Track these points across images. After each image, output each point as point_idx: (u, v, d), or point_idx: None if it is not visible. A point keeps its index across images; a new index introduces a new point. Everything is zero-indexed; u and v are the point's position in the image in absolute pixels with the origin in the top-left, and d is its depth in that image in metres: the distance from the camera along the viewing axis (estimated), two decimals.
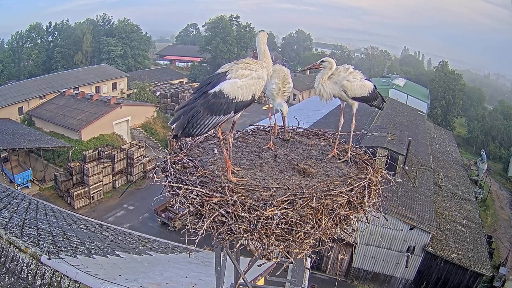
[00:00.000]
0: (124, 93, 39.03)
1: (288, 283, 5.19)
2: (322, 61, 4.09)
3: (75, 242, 6.37)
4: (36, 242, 5.25)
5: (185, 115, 3.11)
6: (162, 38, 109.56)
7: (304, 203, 3.10)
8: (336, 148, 4.37)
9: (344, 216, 3.38)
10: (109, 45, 48.40)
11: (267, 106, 4.63)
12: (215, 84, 3.22)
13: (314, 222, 3.12)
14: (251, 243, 3.07)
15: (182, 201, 3.24)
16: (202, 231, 3.08)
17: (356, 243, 15.97)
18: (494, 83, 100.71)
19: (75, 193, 20.33)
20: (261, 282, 7.01)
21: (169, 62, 63.73)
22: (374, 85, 4.30)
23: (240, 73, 3.26)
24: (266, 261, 4.64)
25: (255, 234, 2.99)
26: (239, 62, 3.38)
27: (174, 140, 3.26)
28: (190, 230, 3.20)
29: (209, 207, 3.11)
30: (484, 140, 37.59)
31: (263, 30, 3.72)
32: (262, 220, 2.99)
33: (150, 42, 61.00)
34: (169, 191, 3.45)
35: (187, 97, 34.84)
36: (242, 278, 4.00)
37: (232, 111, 3.24)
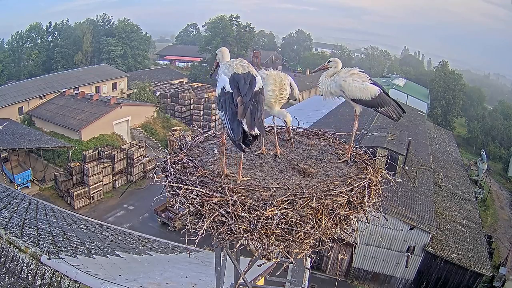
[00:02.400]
0: (124, 93, 38.99)
1: (288, 283, 5.19)
2: (329, 61, 4.24)
3: (75, 242, 6.37)
4: (36, 242, 5.25)
5: (257, 116, 3.06)
6: (162, 38, 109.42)
7: (304, 203, 3.10)
8: (345, 151, 4.34)
9: (344, 216, 3.38)
10: (109, 45, 48.36)
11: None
12: (253, 82, 3.25)
13: (314, 222, 3.12)
14: (251, 243, 3.07)
15: (182, 201, 3.24)
16: (202, 231, 3.07)
17: (356, 243, 15.96)
18: (494, 83, 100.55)
19: (75, 193, 20.32)
20: (261, 282, 7.01)
21: (169, 62, 63.69)
22: (384, 92, 4.13)
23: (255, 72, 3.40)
24: (266, 261, 4.63)
25: (255, 234, 2.99)
26: (240, 62, 3.42)
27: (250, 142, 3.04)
28: (190, 230, 3.20)
29: (209, 207, 3.10)
30: (484, 140, 37.57)
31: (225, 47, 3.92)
32: (262, 220, 2.99)
33: (150, 42, 60.95)
34: (169, 191, 3.45)
35: (187, 97, 34.86)
36: (242, 278, 4.00)
37: None
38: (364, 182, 3.58)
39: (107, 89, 37.66)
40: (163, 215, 19.25)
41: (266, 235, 3.02)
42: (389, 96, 4.21)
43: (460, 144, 37.41)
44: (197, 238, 3.10)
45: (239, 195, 3.13)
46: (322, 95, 4.31)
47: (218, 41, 51.17)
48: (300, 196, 3.15)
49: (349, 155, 4.21)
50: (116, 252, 6.65)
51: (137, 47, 51.29)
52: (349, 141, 4.36)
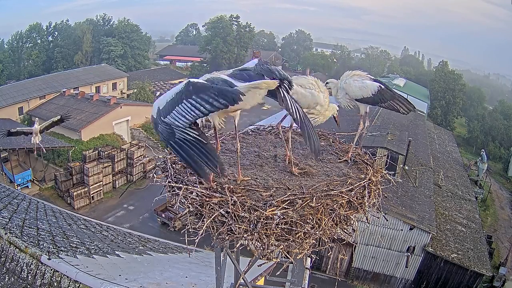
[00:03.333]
0: (124, 93, 39.01)
1: (288, 283, 5.19)
2: (327, 83, 4.35)
3: (75, 242, 6.37)
4: (36, 242, 5.25)
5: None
6: (162, 38, 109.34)
7: (304, 203, 3.10)
8: (345, 151, 4.37)
9: (344, 216, 3.37)
10: (109, 45, 48.37)
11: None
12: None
13: (314, 222, 3.12)
14: (251, 243, 3.07)
15: (182, 201, 3.23)
16: (202, 231, 3.07)
17: (356, 243, 15.95)
18: (494, 83, 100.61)
19: (75, 193, 20.33)
20: (261, 282, 7.00)
21: (169, 62, 63.65)
22: (386, 87, 4.18)
23: None
24: (266, 261, 4.63)
25: (255, 234, 2.99)
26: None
27: None
28: (190, 230, 3.20)
29: (209, 207, 3.10)
30: (484, 140, 37.57)
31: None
32: (262, 220, 2.98)
33: (150, 42, 60.96)
34: (169, 191, 3.44)
35: None
36: (242, 278, 4.00)
37: None
38: (364, 182, 3.58)
39: (107, 89, 37.67)
40: (163, 215, 19.24)
41: (266, 235, 3.01)
42: (392, 91, 4.23)
43: (460, 144, 37.41)
44: (197, 238, 3.09)
45: (239, 195, 3.12)
46: (348, 108, 4.36)
47: (218, 41, 51.22)
48: (300, 196, 3.15)
49: (350, 155, 4.22)
50: (116, 252, 6.65)
51: (137, 47, 51.30)
52: (352, 142, 4.38)
